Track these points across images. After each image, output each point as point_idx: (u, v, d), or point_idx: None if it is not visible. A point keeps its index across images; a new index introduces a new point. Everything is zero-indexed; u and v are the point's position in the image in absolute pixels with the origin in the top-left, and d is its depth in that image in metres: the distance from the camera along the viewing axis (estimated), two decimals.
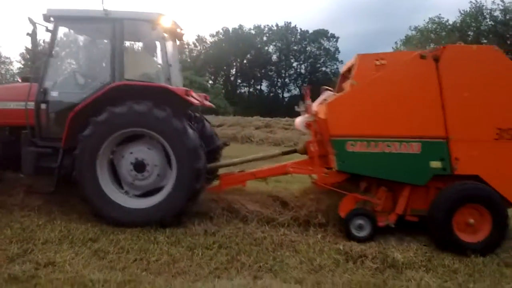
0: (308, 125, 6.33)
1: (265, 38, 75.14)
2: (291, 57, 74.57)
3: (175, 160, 5.77)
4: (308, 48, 74.15)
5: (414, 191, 5.65)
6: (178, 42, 7.53)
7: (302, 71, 74.97)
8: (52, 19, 6.26)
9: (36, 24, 6.04)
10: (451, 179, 5.42)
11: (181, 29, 7.23)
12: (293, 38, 74.56)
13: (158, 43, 6.67)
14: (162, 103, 5.73)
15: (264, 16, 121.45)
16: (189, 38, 73.15)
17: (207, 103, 7.45)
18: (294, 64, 75.00)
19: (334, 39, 73.48)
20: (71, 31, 7.19)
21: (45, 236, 5.02)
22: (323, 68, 73.92)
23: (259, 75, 74.27)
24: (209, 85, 59.11)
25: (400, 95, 5.47)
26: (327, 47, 74.05)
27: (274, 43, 74.79)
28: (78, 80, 6.61)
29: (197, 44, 76.61)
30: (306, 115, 6.32)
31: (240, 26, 74.01)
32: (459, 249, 5.19)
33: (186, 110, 6.31)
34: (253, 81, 75.59)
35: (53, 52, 6.34)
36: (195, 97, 6.33)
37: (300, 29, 73.71)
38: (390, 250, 5.07)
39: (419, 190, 5.65)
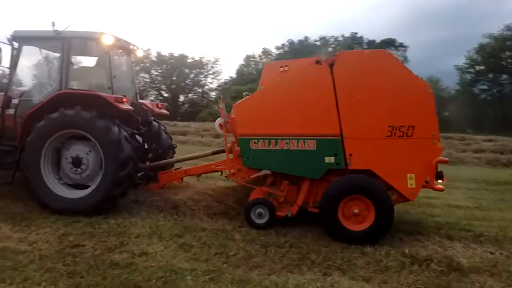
0: (220, 126, 6.70)
1: (330, 49, 74.97)
2: None
3: (102, 152, 6.69)
4: None
5: (315, 185, 6.15)
6: (133, 57, 8.61)
7: None
8: (17, 39, 7.43)
9: (1, 44, 7.23)
10: (347, 173, 5.84)
11: (134, 46, 8.37)
12: (359, 49, 73.73)
13: (102, 57, 7.63)
14: (95, 108, 6.68)
15: (330, 27, 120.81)
16: (255, 51, 74.61)
17: (161, 110, 8.83)
18: None
19: (403, 48, 71.81)
20: (32, 48, 7.98)
21: (137, 231, 5.68)
22: None
23: None
24: None
25: (297, 97, 5.98)
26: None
27: None
28: (36, 89, 7.77)
29: (262, 56, 77.96)
30: (220, 118, 6.69)
31: (306, 38, 74.47)
32: (345, 237, 5.65)
33: (117, 113, 6.98)
34: None
35: (17, 66, 7.46)
36: (129, 104, 7.23)
37: (367, 39, 72.83)
38: (456, 255, 5.22)
39: (321, 184, 6.09)
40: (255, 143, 6.12)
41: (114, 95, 7.11)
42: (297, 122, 5.97)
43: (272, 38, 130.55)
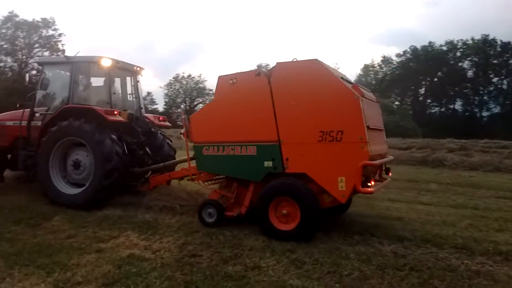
0: (183, 134, 7.35)
1: (458, 54, 69.72)
2: (490, 72, 67.42)
3: (94, 161, 7.95)
4: (511, 61, 65.93)
5: (259, 187, 6.50)
6: (139, 76, 10.15)
7: (504, 86, 66.93)
8: (41, 64, 9.68)
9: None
10: (285, 176, 6.19)
11: (138, 67, 9.98)
12: (492, 51, 67.39)
13: (103, 77, 9.21)
14: (95, 120, 8.06)
15: (457, 30, 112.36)
16: (374, 59, 72.50)
17: (162, 123, 10.26)
18: (494, 80, 67.71)
19: None
20: (52, 71, 9.78)
21: (251, 244, 5.76)
22: None
23: (452, 93, 69.08)
24: (395, 106, 57.36)
25: (241, 107, 6.53)
26: None
27: (469, 58, 68.75)
28: (54, 104, 9.24)
29: (382, 65, 75.45)
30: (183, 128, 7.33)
31: (430, 43, 70.31)
32: (275, 235, 6.00)
33: (110, 124, 8.22)
34: (445, 100, 70.58)
35: (40, 86, 9.05)
36: (125, 117, 8.75)
37: (501, 41, 66.28)
38: None
39: (263, 186, 6.35)
40: (206, 149, 6.85)
41: (105, 109, 8.40)
42: (241, 130, 6.53)
43: (393, 46, 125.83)
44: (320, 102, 5.96)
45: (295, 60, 6.29)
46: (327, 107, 5.90)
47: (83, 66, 9.06)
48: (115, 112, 8.42)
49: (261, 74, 6.42)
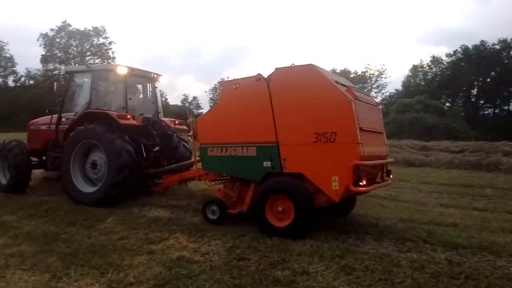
0: (191, 137, 7.95)
1: None
2: None
3: (106, 160, 8.61)
4: None
5: (259, 186, 6.77)
6: (157, 83, 10.70)
7: None
8: (67, 73, 10.87)
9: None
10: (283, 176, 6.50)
11: (155, 74, 10.52)
12: None
13: (120, 84, 9.87)
14: (108, 123, 8.72)
15: (510, 29, 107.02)
16: (423, 60, 70.41)
17: (178, 126, 10.72)
18: None
19: None
20: (77, 79, 10.57)
21: (299, 249, 5.70)
22: None
23: (506, 94, 65.84)
24: (445, 108, 55.43)
25: (242, 110, 6.92)
26: None
27: None
28: (76, 110, 10.03)
29: (432, 66, 73.15)
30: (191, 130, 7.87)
31: (482, 42, 67.43)
32: (271, 232, 6.34)
33: (122, 128, 8.82)
34: (499, 101, 67.42)
35: (66, 93, 10.12)
36: (131, 120, 9.05)
37: None
38: None
39: None
40: (211, 150, 7.26)
41: (118, 113, 9.00)
42: (242, 131, 6.90)
43: (442, 45, 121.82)
44: (315, 105, 6.24)
45: (292, 65, 6.63)
46: (322, 109, 6.18)
47: (101, 74, 9.86)
48: (128, 117, 9.01)
49: (261, 79, 6.74)
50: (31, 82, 63.33)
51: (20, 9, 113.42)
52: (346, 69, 71.22)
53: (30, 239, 6.37)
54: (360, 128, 5.95)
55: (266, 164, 6.64)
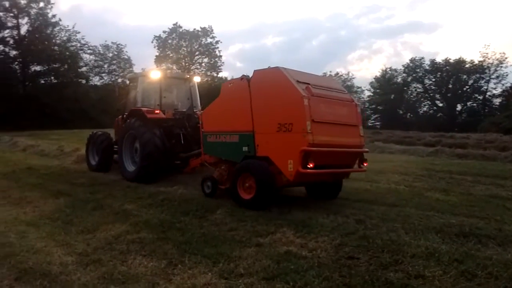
0: (200, 126, 9.62)
1: None
2: None
3: (139, 148, 11.22)
4: None
5: None
6: (192, 82, 13.12)
7: None
8: (127, 79, 14.68)
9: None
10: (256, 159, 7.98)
11: (188, 75, 14.00)
12: None
13: (157, 85, 12.11)
14: (141, 118, 11.41)
15: None
16: None
17: None
18: None
19: None
20: (132, 84, 13.40)
21: (413, 251, 5.35)
22: None
23: None
24: None
25: (231, 104, 8.61)
26: None
27: None
28: (131, 108, 12.47)
29: None
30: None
31: None
32: (241, 203, 7.87)
33: (152, 121, 11.31)
34: None
35: (128, 96, 13.24)
36: (159, 114, 11.54)
37: None
38: None
39: None
40: (209, 137, 9.16)
41: (147, 109, 11.60)
42: (229, 122, 8.58)
43: None
44: (278, 100, 7.66)
45: (268, 68, 8.21)
46: (283, 104, 7.56)
47: (143, 79, 12.47)
48: (156, 111, 11.46)
49: (244, 79, 8.23)
50: None
51: (136, 11, 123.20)
52: (461, 59, 66.06)
53: (148, 226, 6.86)
54: (312, 120, 7.19)
55: (245, 149, 8.17)
